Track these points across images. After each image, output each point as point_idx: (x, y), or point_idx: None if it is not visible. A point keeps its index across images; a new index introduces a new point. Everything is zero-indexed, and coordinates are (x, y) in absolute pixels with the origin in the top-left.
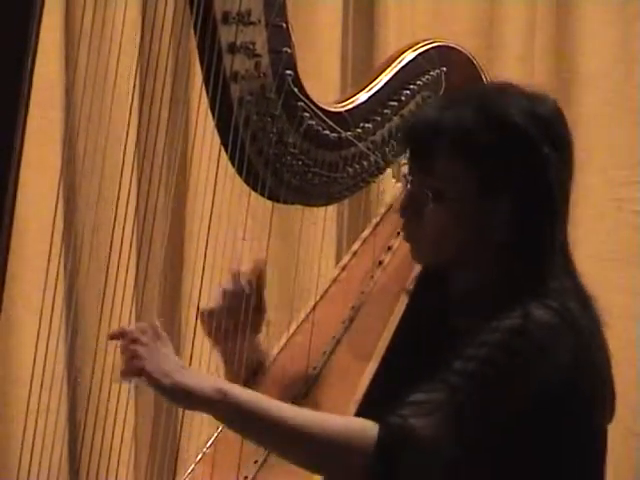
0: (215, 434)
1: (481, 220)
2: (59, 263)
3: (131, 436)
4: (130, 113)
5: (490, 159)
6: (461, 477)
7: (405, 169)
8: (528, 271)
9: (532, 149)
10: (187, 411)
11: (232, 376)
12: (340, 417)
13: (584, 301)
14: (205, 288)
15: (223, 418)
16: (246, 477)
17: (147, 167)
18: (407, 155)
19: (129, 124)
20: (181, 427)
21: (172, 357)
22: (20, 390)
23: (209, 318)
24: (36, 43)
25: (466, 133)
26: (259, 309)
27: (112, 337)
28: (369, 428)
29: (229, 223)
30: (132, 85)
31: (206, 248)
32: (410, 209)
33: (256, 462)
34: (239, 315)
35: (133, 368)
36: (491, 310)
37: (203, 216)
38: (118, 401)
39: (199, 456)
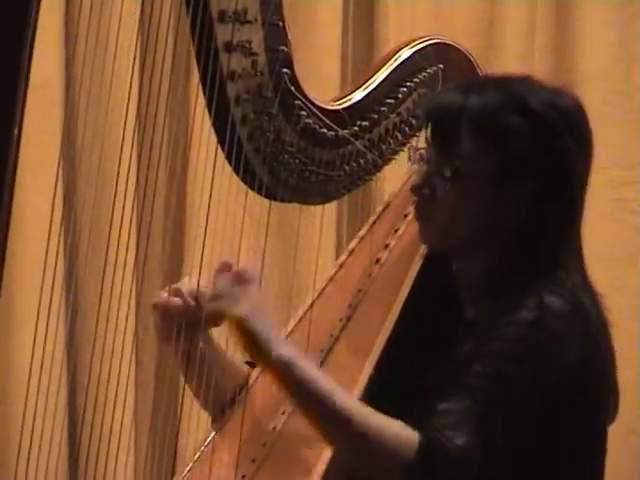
0: (213, 433)
1: (496, 205)
2: (59, 243)
3: (129, 433)
4: (127, 110)
5: (513, 143)
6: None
7: (421, 152)
8: (539, 261)
9: (555, 137)
10: (184, 408)
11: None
12: (387, 418)
13: (593, 298)
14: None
15: (282, 382)
16: (244, 476)
17: (146, 162)
18: (424, 138)
19: (126, 122)
20: (179, 425)
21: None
22: (20, 373)
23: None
24: (33, 38)
25: (491, 115)
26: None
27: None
28: (408, 435)
29: (227, 222)
30: (130, 83)
31: (203, 249)
32: (425, 188)
33: (254, 461)
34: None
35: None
36: (502, 298)
37: (201, 215)
38: (118, 384)
39: (197, 455)
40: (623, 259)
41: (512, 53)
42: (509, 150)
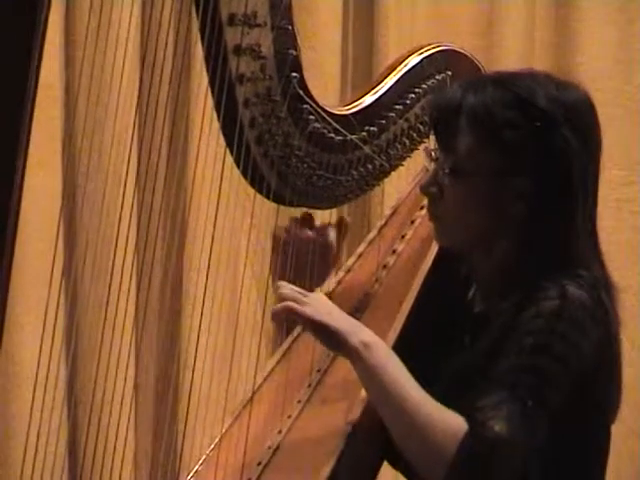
0: (218, 436)
1: (498, 199)
2: (57, 243)
3: (133, 436)
4: (127, 110)
5: (510, 137)
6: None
7: (431, 152)
8: (549, 253)
9: (552, 131)
10: (190, 412)
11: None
12: (443, 409)
13: (611, 291)
14: (209, 289)
15: (357, 368)
16: (249, 479)
17: (150, 168)
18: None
19: (127, 123)
20: (184, 428)
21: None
22: (19, 389)
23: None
24: (42, 43)
25: (487, 110)
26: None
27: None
28: (456, 426)
29: (227, 221)
30: (134, 87)
31: (210, 251)
32: (433, 187)
33: (260, 464)
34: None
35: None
36: (517, 292)
37: (208, 218)
38: (121, 403)
39: (202, 458)
40: (623, 259)
41: (512, 53)
42: (506, 144)
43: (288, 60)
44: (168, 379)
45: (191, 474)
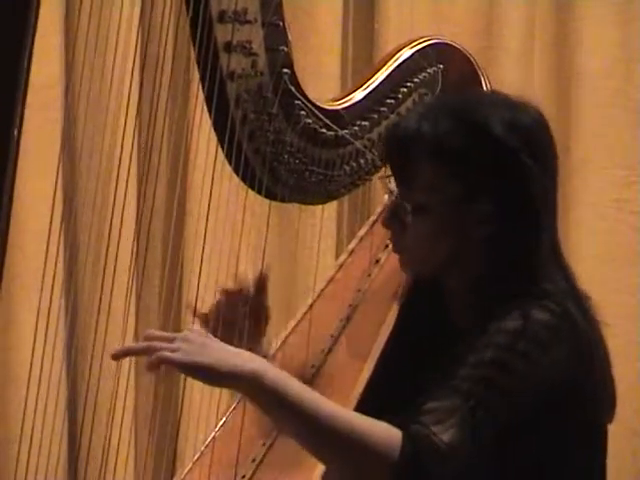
0: (213, 433)
1: (463, 225)
2: (59, 244)
3: (129, 434)
4: (127, 111)
5: (468, 167)
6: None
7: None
8: (516, 271)
9: (510, 158)
10: (184, 408)
11: None
12: (367, 419)
13: (580, 301)
14: (204, 289)
15: (253, 398)
16: (244, 476)
17: (146, 165)
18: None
19: (126, 123)
20: (179, 425)
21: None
22: (19, 389)
23: (204, 324)
24: (32, 42)
25: (443, 141)
26: (259, 318)
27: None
28: (394, 435)
29: (227, 222)
30: (130, 84)
31: (203, 247)
32: (394, 221)
33: (254, 461)
34: (235, 323)
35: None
36: (487, 309)
37: (201, 215)
38: (116, 398)
39: (197, 455)
40: (623, 259)
41: (512, 53)
42: (464, 173)
43: (279, 56)
44: (168, 379)
45: (185, 470)
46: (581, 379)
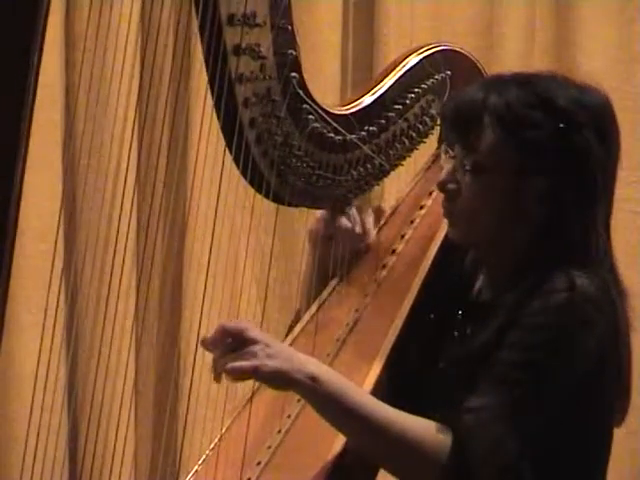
0: (218, 435)
1: (516, 198)
2: (56, 242)
3: (133, 437)
4: (127, 111)
5: (531, 137)
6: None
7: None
8: (562, 254)
9: (574, 133)
10: (189, 412)
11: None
12: (420, 420)
13: (621, 295)
14: (208, 289)
15: (311, 402)
16: (249, 478)
17: (149, 167)
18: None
19: (126, 122)
20: (184, 428)
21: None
22: (21, 391)
23: (316, 227)
24: (42, 43)
25: (510, 110)
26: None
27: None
28: (443, 438)
29: (233, 224)
30: (134, 87)
31: (210, 249)
32: (452, 184)
33: (259, 464)
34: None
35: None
36: (527, 281)
37: (208, 218)
38: (121, 403)
39: (202, 458)
40: (623, 259)
41: (512, 53)
42: (527, 144)
43: (288, 60)
44: (168, 379)
45: (191, 474)
46: (605, 367)
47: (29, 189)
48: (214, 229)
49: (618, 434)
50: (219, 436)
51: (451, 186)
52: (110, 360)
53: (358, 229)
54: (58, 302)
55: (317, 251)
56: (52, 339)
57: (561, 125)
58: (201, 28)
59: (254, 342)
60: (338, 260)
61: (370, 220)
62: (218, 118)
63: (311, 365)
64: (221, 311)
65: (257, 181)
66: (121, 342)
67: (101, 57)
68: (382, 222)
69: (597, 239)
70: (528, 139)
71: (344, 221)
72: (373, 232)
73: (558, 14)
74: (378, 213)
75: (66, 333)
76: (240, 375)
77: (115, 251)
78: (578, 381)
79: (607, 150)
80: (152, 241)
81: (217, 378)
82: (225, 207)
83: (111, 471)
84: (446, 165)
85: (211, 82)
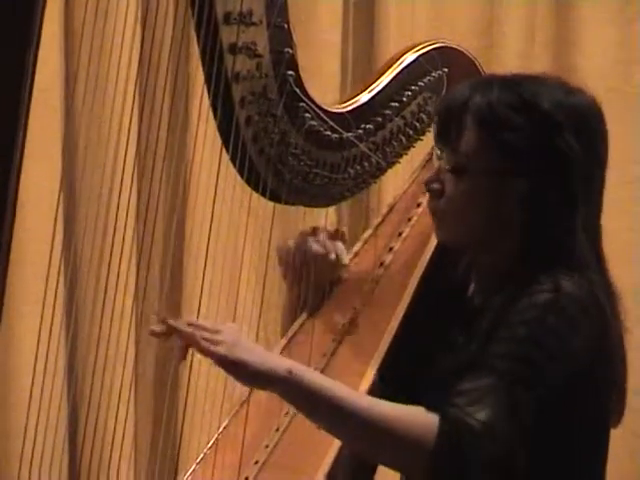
0: (216, 435)
1: (498, 200)
2: (53, 239)
3: (132, 436)
4: (127, 109)
5: (512, 138)
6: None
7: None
8: (548, 256)
9: (555, 135)
10: (187, 411)
11: (287, 324)
12: (403, 407)
13: (612, 297)
14: (206, 288)
15: (287, 397)
16: (247, 478)
17: (148, 165)
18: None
19: (123, 123)
20: (182, 427)
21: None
22: (22, 382)
23: (286, 256)
24: (38, 39)
25: (492, 110)
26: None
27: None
28: (430, 420)
29: (230, 223)
30: (133, 83)
31: (207, 249)
32: (436, 184)
33: (257, 462)
34: (314, 262)
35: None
36: (514, 286)
37: (204, 216)
38: (121, 386)
39: (200, 457)
40: (620, 259)
41: (512, 53)
42: (508, 145)
43: (284, 58)
44: (167, 375)
45: (189, 472)
46: (599, 361)
47: (29, 181)
48: (214, 229)
49: (618, 434)
50: (217, 435)
51: (435, 186)
52: (109, 352)
53: (332, 256)
54: (56, 293)
55: (290, 281)
56: (50, 330)
57: (542, 127)
58: (197, 27)
59: (227, 334)
60: (311, 290)
61: (341, 246)
62: (214, 117)
63: (286, 360)
64: (221, 292)
65: (254, 180)
66: (120, 335)
67: (99, 51)
68: (380, 220)
69: (581, 241)
70: (508, 141)
71: (316, 247)
72: (346, 259)
73: (558, 14)
74: (343, 238)
75: (65, 324)
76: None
77: (113, 243)
78: (565, 380)
79: (590, 152)
80: (151, 235)
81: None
82: (222, 204)
83: (109, 463)
84: (435, 164)
85: (207, 81)
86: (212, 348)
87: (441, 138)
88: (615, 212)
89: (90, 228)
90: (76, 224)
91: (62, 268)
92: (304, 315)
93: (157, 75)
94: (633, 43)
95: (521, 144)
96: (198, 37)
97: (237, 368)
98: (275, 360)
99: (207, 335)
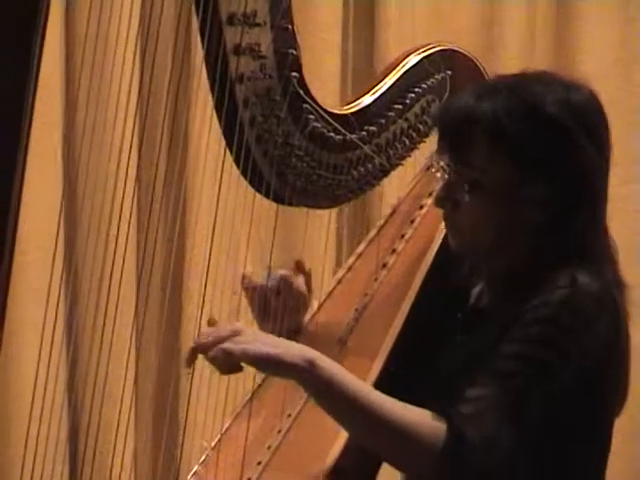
0: (218, 435)
1: (517, 209)
2: (57, 239)
3: (133, 434)
4: (127, 109)
5: (525, 149)
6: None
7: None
8: (565, 256)
9: (569, 139)
10: (189, 412)
11: None
12: (416, 409)
13: (622, 291)
14: (209, 289)
15: (308, 387)
16: (249, 479)
17: (151, 166)
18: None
19: (125, 121)
20: (184, 427)
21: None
22: (23, 394)
23: (252, 295)
24: (41, 46)
25: (502, 123)
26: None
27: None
28: (439, 426)
29: (233, 225)
30: (134, 86)
31: (210, 250)
32: (447, 199)
33: (259, 463)
34: (282, 297)
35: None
36: (529, 287)
37: (208, 216)
38: (123, 391)
39: (202, 457)
40: (622, 259)
41: (512, 53)
42: (522, 156)
43: (288, 59)
44: (168, 378)
45: (191, 474)
46: (609, 361)
47: (29, 187)
48: (214, 226)
49: (619, 435)
50: (219, 436)
51: (447, 202)
52: (110, 358)
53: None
54: (58, 300)
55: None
56: (52, 337)
57: (551, 133)
58: (201, 28)
59: (244, 331)
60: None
61: (301, 281)
62: (218, 118)
63: (309, 351)
64: (221, 309)
65: (257, 181)
66: (121, 340)
67: (101, 56)
68: (382, 221)
69: (598, 238)
70: (521, 151)
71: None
72: (314, 303)
73: (558, 14)
74: (302, 270)
75: (66, 331)
76: (228, 363)
77: (115, 250)
78: (578, 377)
79: (599, 149)
80: (152, 239)
81: (192, 359)
82: (232, 209)
83: (111, 469)
84: (437, 176)
85: (211, 82)
86: (239, 347)
87: (451, 153)
88: (615, 212)
89: (92, 242)
90: (77, 240)
91: (64, 276)
92: (306, 317)
93: (160, 78)
94: (634, 43)
95: (534, 153)
96: (202, 38)
97: (265, 362)
98: (297, 349)
99: (229, 335)
